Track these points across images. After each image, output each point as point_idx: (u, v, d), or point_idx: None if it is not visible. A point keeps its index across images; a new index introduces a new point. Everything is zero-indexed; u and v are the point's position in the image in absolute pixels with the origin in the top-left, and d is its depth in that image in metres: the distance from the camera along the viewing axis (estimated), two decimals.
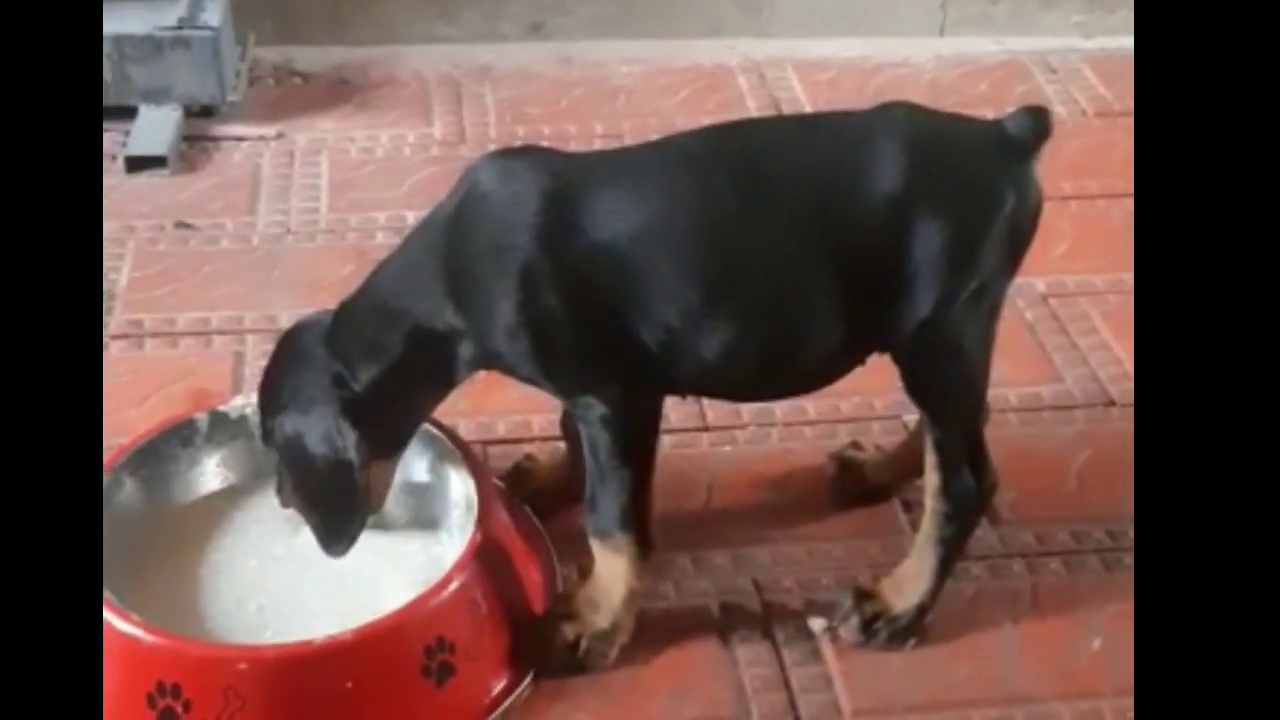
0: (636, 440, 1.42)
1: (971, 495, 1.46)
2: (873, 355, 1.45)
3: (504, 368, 1.42)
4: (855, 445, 1.69)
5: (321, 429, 1.40)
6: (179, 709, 1.33)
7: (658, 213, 1.36)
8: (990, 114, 2.44)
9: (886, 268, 1.35)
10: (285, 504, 1.49)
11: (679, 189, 1.37)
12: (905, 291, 1.36)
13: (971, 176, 1.38)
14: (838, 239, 1.35)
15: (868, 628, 1.48)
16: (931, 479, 1.46)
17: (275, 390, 1.45)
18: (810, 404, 1.76)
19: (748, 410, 1.77)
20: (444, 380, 1.44)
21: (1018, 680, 1.45)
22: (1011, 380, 1.80)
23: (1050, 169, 2.31)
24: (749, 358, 1.39)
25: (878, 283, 1.36)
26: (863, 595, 1.50)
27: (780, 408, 1.76)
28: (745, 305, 1.36)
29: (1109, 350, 1.90)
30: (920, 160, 1.35)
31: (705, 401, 1.76)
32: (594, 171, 1.40)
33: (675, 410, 1.74)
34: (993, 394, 1.60)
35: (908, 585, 1.49)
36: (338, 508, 1.44)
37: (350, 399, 1.40)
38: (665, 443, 1.70)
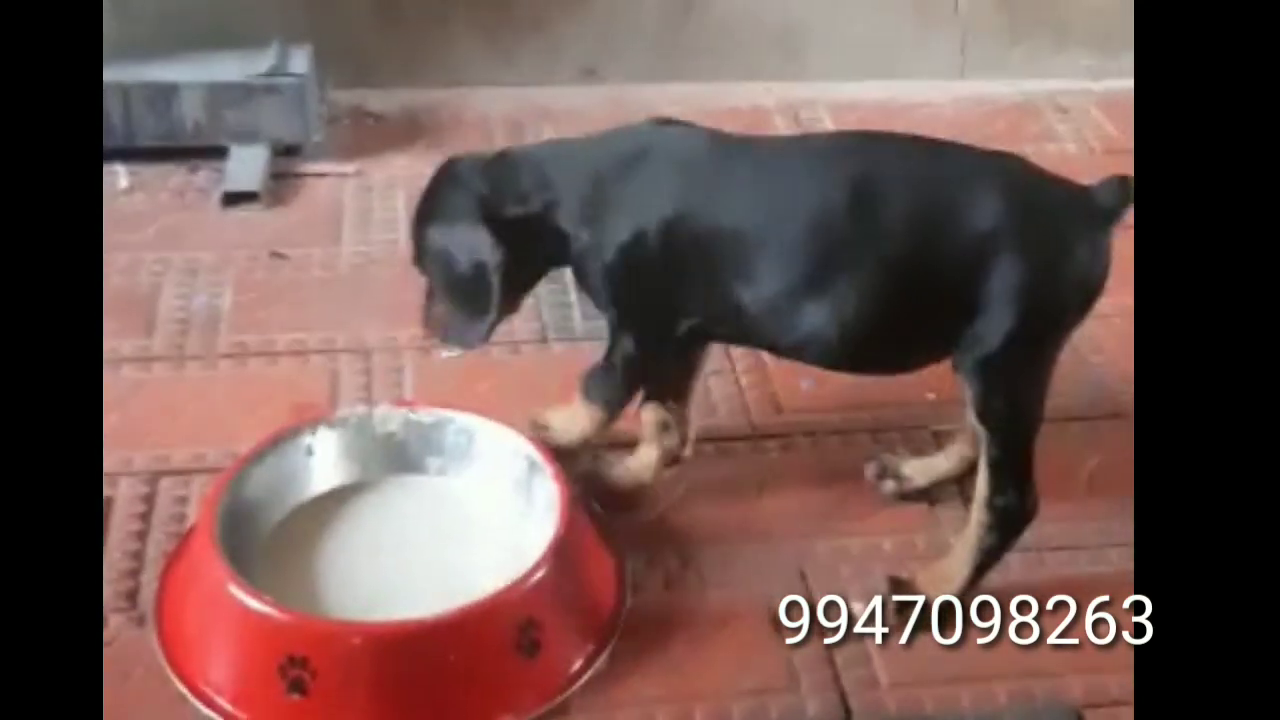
0: (638, 383, 1.75)
1: (1016, 512, 1.63)
2: None
3: (586, 285, 1.72)
4: (892, 451, 1.89)
5: (467, 238, 1.67)
6: (307, 678, 1.50)
7: (776, 198, 1.60)
8: (1005, 149, 2.65)
9: (967, 296, 1.55)
10: (433, 330, 1.79)
11: (799, 182, 1.61)
12: (981, 320, 1.55)
13: (1057, 232, 1.57)
14: (929, 260, 1.55)
15: (902, 613, 1.67)
16: (981, 491, 1.63)
17: (428, 206, 1.73)
18: (855, 414, 1.97)
19: (794, 419, 1.97)
20: (550, 261, 1.75)
21: (1037, 658, 1.63)
22: None
23: None
24: (834, 337, 1.60)
25: (956, 307, 1.55)
26: (899, 584, 1.68)
27: (826, 420, 1.96)
28: (839, 294, 1.57)
29: (1116, 367, 2.09)
30: (1015, 209, 1.55)
31: (753, 409, 1.97)
32: (734, 150, 1.68)
33: (727, 418, 1.96)
34: None
35: (942, 581, 1.67)
36: (476, 304, 1.71)
37: (492, 217, 1.67)
38: (716, 448, 1.91)
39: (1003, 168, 1.61)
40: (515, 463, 1.76)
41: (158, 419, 1.95)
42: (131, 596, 1.68)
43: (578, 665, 1.60)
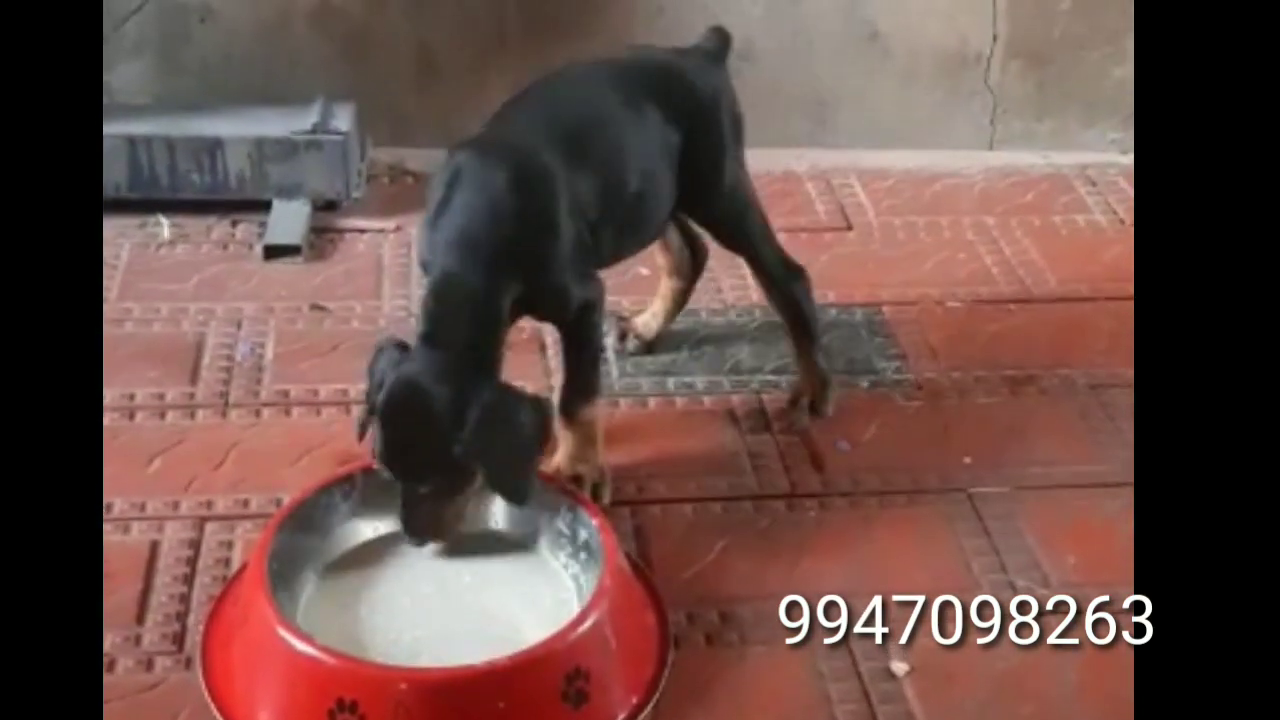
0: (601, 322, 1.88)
1: (798, 277, 2.09)
2: None
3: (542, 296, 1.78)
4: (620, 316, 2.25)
5: (512, 407, 1.68)
6: None
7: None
8: (1037, 222, 2.71)
9: (681, 164, 1.93)
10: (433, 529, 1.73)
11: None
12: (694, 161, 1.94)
13: (698, 91, 1.95)
14: (651, 158, 1.90)
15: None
16: (765, 283, 2.09)
17: (449, 410, 1.64)
18: (892, 475, 1.99)
19: (832, 480, 1.99)
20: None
21: (1076, 717, 1.65)
22: (1064, 459, 2.03)
23: (1090, 272, 2.57)
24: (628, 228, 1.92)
25: (687, 172, 1.93)
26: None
27: (864, 481, 1.99)
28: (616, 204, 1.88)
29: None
30: (665, 92, 1.92)
31: (792, 470, 2.00)
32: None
33: (767, 478, 1.98)
34: (1046, 470, 1.91)
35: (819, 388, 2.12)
36: (531, 455, 1.72)
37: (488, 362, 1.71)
38: (755, 507, 1.94)
39: (638, 58, 2.01)
40: (558, 513, 1.77)
41: (203, 465, 1.97)
42: (178, 639, 1.69)
43: (622, 718, 1.61)
